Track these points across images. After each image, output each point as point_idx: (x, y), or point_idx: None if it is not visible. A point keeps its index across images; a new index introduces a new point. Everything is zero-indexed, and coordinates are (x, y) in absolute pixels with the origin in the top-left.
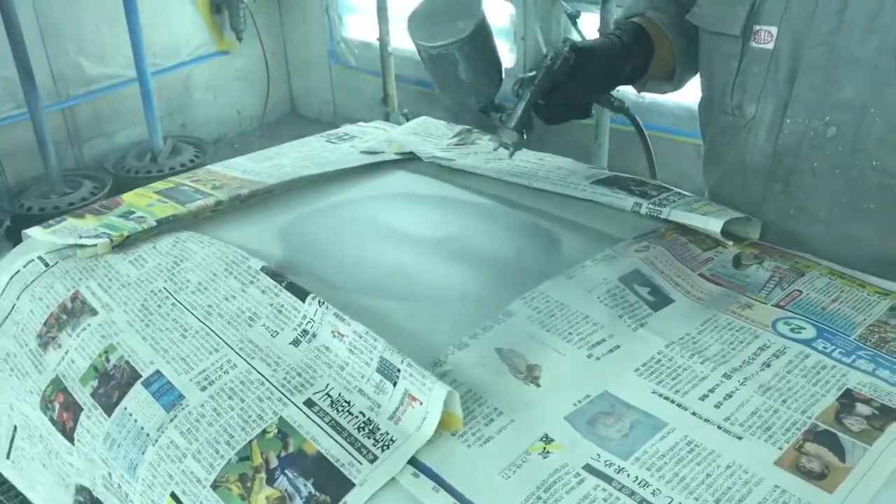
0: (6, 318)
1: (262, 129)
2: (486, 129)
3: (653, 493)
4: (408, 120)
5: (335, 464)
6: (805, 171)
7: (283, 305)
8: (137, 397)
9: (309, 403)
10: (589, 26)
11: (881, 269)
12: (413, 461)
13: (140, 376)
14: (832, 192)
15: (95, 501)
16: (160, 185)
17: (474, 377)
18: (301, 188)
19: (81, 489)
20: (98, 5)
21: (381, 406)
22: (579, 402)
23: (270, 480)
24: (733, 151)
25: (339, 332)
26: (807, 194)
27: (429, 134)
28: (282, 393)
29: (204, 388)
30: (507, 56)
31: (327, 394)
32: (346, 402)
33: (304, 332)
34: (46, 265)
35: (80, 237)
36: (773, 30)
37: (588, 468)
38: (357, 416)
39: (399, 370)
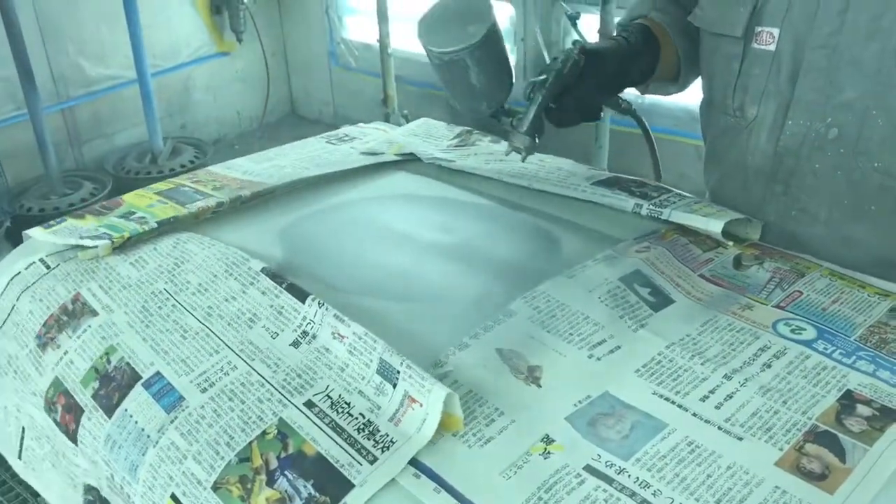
0: (6, 319)
1: (262, 130)
2: (486, 130)
3: (653, 494)
4: (408, 121)
5: (335, 464)
6: (806, 173)
7: (283, 307)
8: (138, 399)
9: (309, 405)
10: (589, 27)
11: (882, 270)
12: (414, 462)
13: (140, 378)
14: (833, 193)
15: (104, 501)
16: (160, 185)
17: (475, 378)
18: (301, 189)
19: (90, 489)
20: (98, 6)
21: (381, 408)
22: (580, 402)
23: (270, 482)
24: (734, 152)
25: (339, 334)
26: (808, 196)
27: (429, 135)
28: (282, 394)
29: (204, 390)
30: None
31: (327, 395)
32: (346, 403)
33: (304, 333)
34: (48, 267)
35: (81, 237)
36: (775, 31)
37: (589, 469)
38: (357, 418)
39: (399, 372)
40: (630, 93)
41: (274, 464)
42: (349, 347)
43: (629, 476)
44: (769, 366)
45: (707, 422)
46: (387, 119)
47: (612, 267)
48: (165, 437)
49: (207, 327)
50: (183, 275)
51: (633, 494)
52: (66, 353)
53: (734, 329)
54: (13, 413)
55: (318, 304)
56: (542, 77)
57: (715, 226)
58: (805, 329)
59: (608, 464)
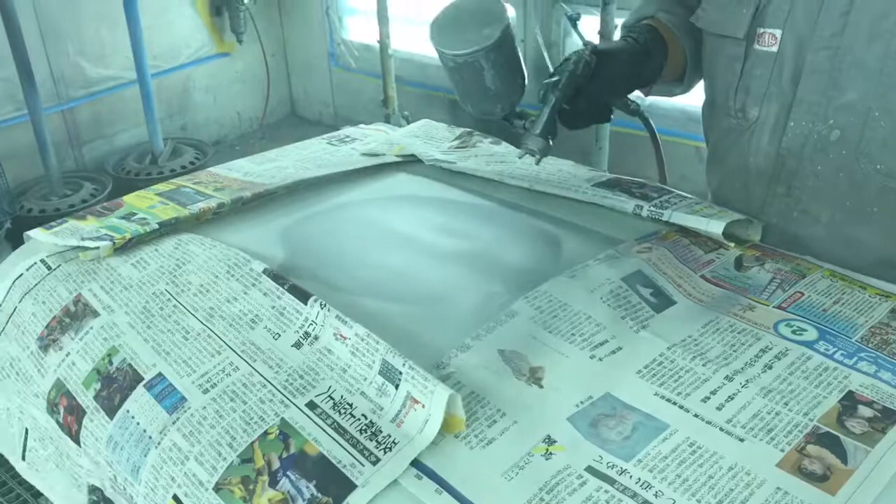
0: (8, 321)
1: (263, 131)
2: (486, 131)
3: (655, 495)
4: (408, 122)
5: (337, 465)
6: (808, 174)
7: (285, 308)
8: (140, 400)
9: (311, 405)
10: (589, 28)
11: (883, 271)
12: (416, 463)
13: (142, 379)
14: (835, 195)
15: (108, 501)
16: (161, 186)
17: (477, 379)
18: (303, 190)
19: (94, 489)
20: (98, 7)
21: (383, 409)
22: (581, 403)
23: (273, 482)
24: (736, 154)
25: (341, 335)
26: (810, 197)
27: (430, 136)
28: (284, 395)
29: (206, 391)
30: None
31: (329, 396)
32: (348, 404)
33: (307, 334)
34: (49, 268)
35: (83, 238)
36: (777, 32)
37: (590, 470)
38: (359, 419)
39: (401, 373)
40: (633, 94)
41: (276, 464)
42: (351, 348)
43: (631, 477)
44: (770, 367)
45: (709, 423)
46: (387, 120)
47: (614, 267)
48: (167, 438)
49: (209, 328)
50: (184, 276)
51: (634, 495)
52: (67, 354)
53: (735, 330)
54: (16, 415)
55: (321, 305)
56: (554, 78)
57: (716, 227)
58: (806, 330)
59: (610, 465)
